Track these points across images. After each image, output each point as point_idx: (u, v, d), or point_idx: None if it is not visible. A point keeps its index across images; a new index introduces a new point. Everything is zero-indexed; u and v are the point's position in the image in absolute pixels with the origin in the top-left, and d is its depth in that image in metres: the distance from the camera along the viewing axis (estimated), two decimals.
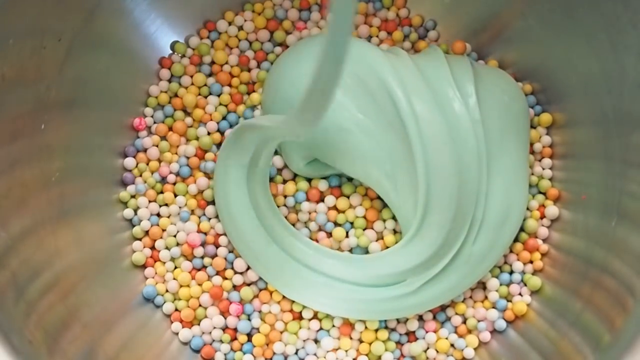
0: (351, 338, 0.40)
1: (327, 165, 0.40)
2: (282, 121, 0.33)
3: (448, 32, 0.44)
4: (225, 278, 0.40)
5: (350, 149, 0.38)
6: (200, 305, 0.40)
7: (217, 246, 0.41)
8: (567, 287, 0.38)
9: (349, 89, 0.38)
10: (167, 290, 0.40)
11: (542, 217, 0.41)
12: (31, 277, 0.33)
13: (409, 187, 0.38)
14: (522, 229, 0.40)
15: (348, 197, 0.41)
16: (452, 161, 0.37)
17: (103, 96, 0.40)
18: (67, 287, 0.36)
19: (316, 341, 0.40)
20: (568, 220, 0.40)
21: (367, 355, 0.40)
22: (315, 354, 0.40)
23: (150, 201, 0.41)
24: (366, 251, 0.41)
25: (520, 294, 0.40)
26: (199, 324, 0.40)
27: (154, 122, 0.42)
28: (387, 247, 0.40)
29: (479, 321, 0.40)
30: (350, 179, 0.41)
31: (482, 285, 0.41)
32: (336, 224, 0.41)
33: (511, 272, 0.41)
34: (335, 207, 0.41)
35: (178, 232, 0.41)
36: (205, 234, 0.41)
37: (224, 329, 0.40)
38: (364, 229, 0.41)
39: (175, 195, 0.41)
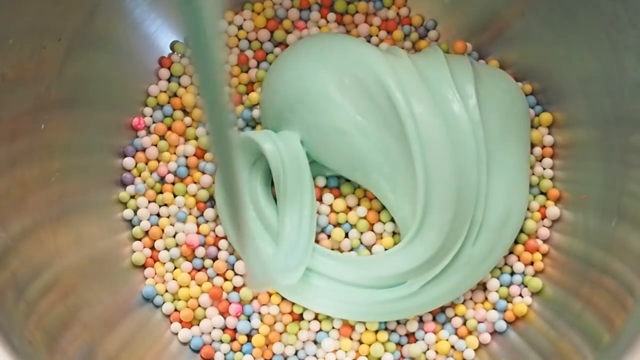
0: (351, 339, 0.40)
1: (325, 166, 0.40)
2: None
3: (448, 32, 0.44)
4: (225, 279, 0.40)
5: (348, 151, 0.38)
6: (199, 306, 0.40)
7: (218, 249, 0.41)
8: (567, 288, 0.38)
9: (347, 90, 0.38)
10: (166, 291, 0.40)
11: (543, 217, 0.41)
12: (31, 277, 0.33)
13: (408, 189, 0.38)
14: (521, 230, 0.40)
15: (346, 197, 0.41)
16: (451, 163, 0.37)
17: (103, 96, 0.40)
18: (67, 287, 0.36)
19: (315, 342, 0.40)
20: (568, 220, 0.40)
21: (366, 356, 0.40)
22: (315, 355, 0.40)
23: (149, 201, 0.41)
24: (367, 252, 0.40)
25: (520, 295, 0.40)
26: (198, 325, 0.40)
27: (153, 122, 0.42)
28: (386, 249, 0.40)
29: (479, 322, 0.40)
30: (348, 180, 0.41)
31: (482, 287, 0.41)
32: (336, 225, 0.41)
33: (512, 273, 0.41)
34: (335, 208, 0.41)
35: (177, 233, 0.41)
36: (205, 235, 0.41)
37: (224, 329, 0.40)
38: (363, 232, 0.41)
39: (175, 195, 0.41)
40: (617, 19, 0.35)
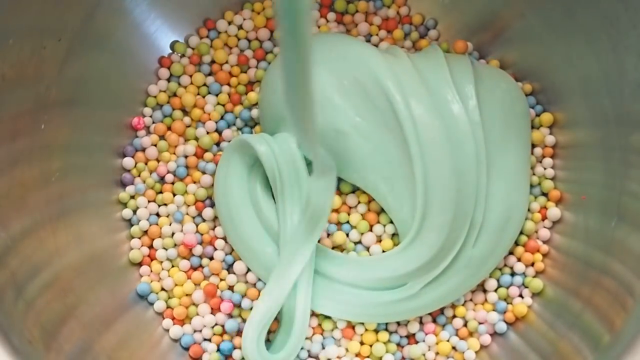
0: (351, 340, 0.40)
1: None
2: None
3: (448, 32, 0.44)
4: (221, 279, 0.40)
5: (347, 152, 0.38)
6: (193, 304, 0.40)
7: (215, 249, 0.41)
8: (567, 288, 0.38)
9: (346, 91, 0.38)
10: (162, 289, 0.40)
11: (544, 218, 0.41)
12: (30, 277, 0.33)
13: (406, 190, 0.38)
14: (521, 232, 0.40)
15: (346, 197, 0.41)
16: (450, 164, 0.37)
17: (103, 96, 0.40)
18: (65, 286, 0.36)
19: (314, 342, 0.40)
20: (568, 221, 0.40)
21: (368, 356, 0.40)
22: (315, 356, 0.40)
23: (149, 201, 0.41)
24: (366, 253, 0.40)
25: (520, 296, 0.40)
26: (190, 322, 0.40)
27: (153, 122, 0.42)
28: (385, 251, 0.40)
29: (479, 323, 0.40)
30: None
31: (482, 288, 0.40)
32: (337, 224, 0.41)
33: (512, 274, 0.41)
34: (335, 208, 0.41)
35: (175, 232, 0.41)
36: (202, 234, 0.41)
37: (214, 326, 0.40)
38: (363, 233, 0.40)
39: (175, 195, 0.41)
40: (617, 19, 0.35)
